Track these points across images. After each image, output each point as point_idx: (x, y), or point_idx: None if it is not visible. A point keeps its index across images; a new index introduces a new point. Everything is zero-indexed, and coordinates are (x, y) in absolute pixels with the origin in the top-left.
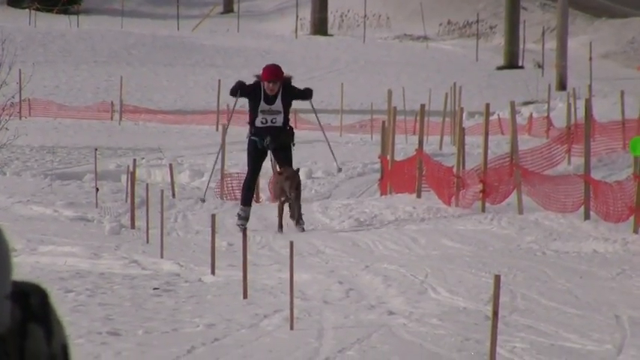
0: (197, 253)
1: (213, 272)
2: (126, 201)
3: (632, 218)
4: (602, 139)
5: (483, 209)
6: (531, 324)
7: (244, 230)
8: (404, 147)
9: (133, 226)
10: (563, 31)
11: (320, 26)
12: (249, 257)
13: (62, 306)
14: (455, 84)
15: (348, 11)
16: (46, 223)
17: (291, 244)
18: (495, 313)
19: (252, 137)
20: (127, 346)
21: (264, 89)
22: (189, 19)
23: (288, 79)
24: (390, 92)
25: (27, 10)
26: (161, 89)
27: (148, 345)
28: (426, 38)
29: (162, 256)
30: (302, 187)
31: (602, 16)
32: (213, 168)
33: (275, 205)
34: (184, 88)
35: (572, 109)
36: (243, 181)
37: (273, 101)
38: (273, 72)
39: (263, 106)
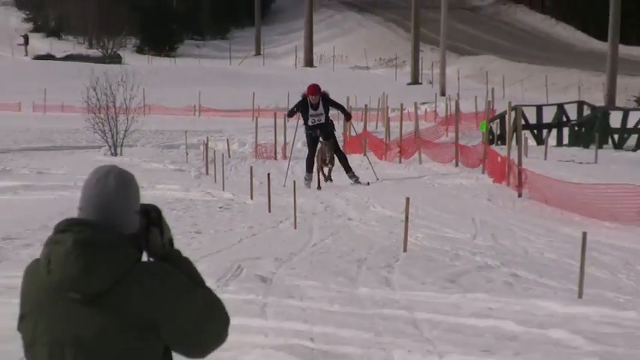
0: (243, 187)
1: (252, 198)
2: (203, 159)
3: (481, 165)
4: (465, 122)
5: (400, 161)
6: (426, 224)
7: (310, 184)
8: (356, 128)
9: (207, 173)
10: (443, 63)
11: (309, 61)
12: (271, 190)
13: (168, 217)
14: (384, 93)
15: (324, 53)
16: (159, 172)
17: (294, 183)
18: (406, 218)
19: (309, 131)
20: (205, 239)
21: (309, 101)
22: (236, 58)
23: (325, 93)
24: (348, 98)
25: (146, 55)
26: (221, 98)
27: (216, 238)
28: (367, 68)
29: (223, 189)
30: (333, 154)
31: (465, 55)
32: (256, 140)
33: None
34: (235, 97)
35: (448, 106)
36: (305, 158)
37: (317, 108)
38: (313, 89)
39: (311, 111)
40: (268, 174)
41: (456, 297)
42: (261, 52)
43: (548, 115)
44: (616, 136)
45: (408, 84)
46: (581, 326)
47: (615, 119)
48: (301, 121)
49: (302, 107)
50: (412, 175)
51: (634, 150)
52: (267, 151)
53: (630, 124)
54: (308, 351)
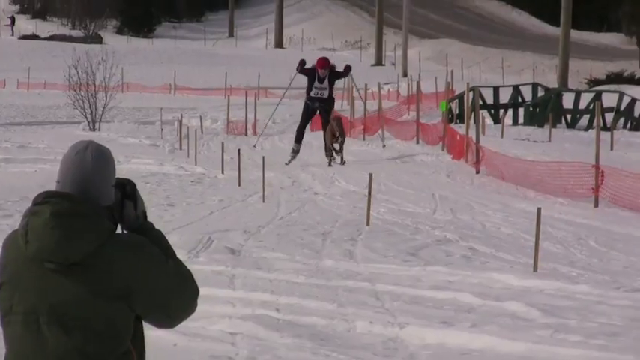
0: (214, 162)
1: (222, 172)
2: (177, 135)
3: (441, 143)
4: (426, 102)
5: (364, 139)
6: (388, 199)
7: (292, 159)
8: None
9: (180, 148)
10: (405, 46)
11: (279, 43)
12: (241, 165)
13: (142, 190)
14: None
15: (294, 35)
16: (134, 147)
17: (263, 158)
18: (369, 193)
19: (307, 102)
20: (178, 211)
21: (318, 73)
22: (210, 40)
23: (333, 66)
24: None
25: (126, 35)
26: (196, 77)
27: (188, 211)
28: (334, 49)
29: (196, 164)
30: (342, 129)
31: (426, 38)
32: (228, 117)
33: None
34: (208, 77)
35: (410, 87)
36: (297, 128)
37: (323, 81)
38: (323, 62)
39: (316, 84)
40: (239, 150)
41: (417, 270)
42: (234, 34)
43: (505, 96)
44: (569, 117)
45: (372, 65)
46: (536, 299)
47: (568, 100)
48: (271, 99)
49: (309, 76)
50: (374, 151)
51: (586, 130)
52: (238, 128)
53: (582, 104)
54: (274, 321)
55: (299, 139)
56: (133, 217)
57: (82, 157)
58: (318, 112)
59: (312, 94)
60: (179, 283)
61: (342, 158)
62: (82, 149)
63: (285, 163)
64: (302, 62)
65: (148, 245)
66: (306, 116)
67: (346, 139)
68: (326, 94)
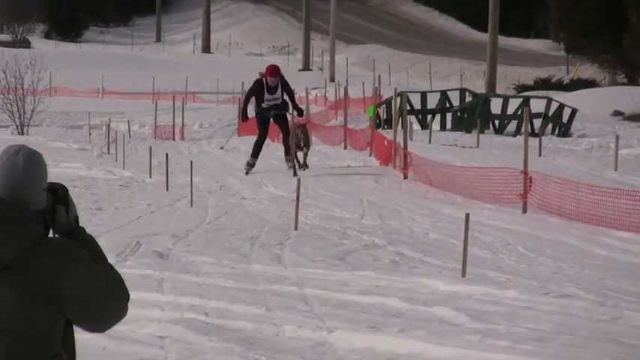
0: (142, 166)
1: (150, 176)
2: (105, 139)
3: (368, 148)
4: (353, 107)
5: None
6: (316, 204)
7: (251, 169)
8: (250, 112)
9: (108, 152)
10: (333, 51)
11: (206, 48)
12: (169, 169)
13: (73, 194)
14: None
15: (221, 40)
16: (63, 151)
17: (191, 163)
18: (297, 198)
19: (259, 111)
20: (106, 215)
21: (266, 83)
22: (138, 44)
23: (282, 75)
24: (242, 83)
25: (54, 40)
26: (124, 81)
27: (116, 215)
28: (261, 54)
29: (124, 168)
30: (308, 137)
31: (353, 43)
32: (155, 122)
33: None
34: (136, 81)
35: (337, 92)
36: (255, 141)
37: (275, 92)
38: (275, 70)
39: (267, 96)
40: (167, 154)
41: (345, 274)
42: (162, 39)
43: (432, 102)
44: (497, 122)
45: (300, 70)
46: (464, 304)
47: (496, 106)
48: (199, 104)
49: (257, 91)
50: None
51: (514, 135)
52: (166, 132)
53: (510, 110)
54: (202, 325)
55: (256, 153)
56: (65, 221)
57: (14, 161)
58: (272, 119)
59: (263, 105)
60: (109, 288)
61: (302, 164)
62: (14, 153)
63: (247, 172)
64: (244, 113)
65: (78, 250)
66: (263, 128)
67: (274, 144)
68: (279, 101)
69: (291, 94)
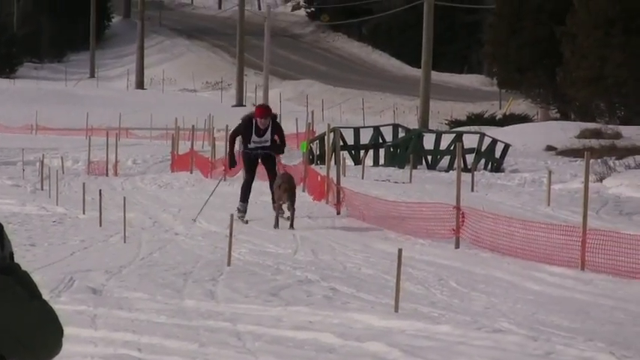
0: (76, 202)
1: (84, 212)
2: (39, 175)
3: (302, 184)
4: (287, 142)
5: (225, 179)
6: (249, 240)
7: (244, 216)
8: (184, 147)
9: (42, 188)
10: (266, 87)
11: (140, 84)
12: (102, 205)
13: (7, 230)
14: (210, 114)
15: (155, 76)
16: None
17: (124, 198)
18: (230, 234)
19: (246, 151)
20: (39, 251)
21: (256, 124)
22: (72, 80)
23: (275, 115)
24: (176, 119)
25: None
26: (57, 117)
27: (50, 251)
28: (195, 90)
29: (57, 204)
30: (294, 198)
31: (287, 79)
32: (89, 158)
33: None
34: (70, 116)
35: None
36: (242, 184)
37: (264, 134)
38: (265, 111)
39: (254, 138)
40: (100, 190)
41: (278, 310)
42: (95, 75)
43: (365, 137)
44: (429, 157)
45: (233, 106)
46: (397, 339)
47: (429, 141)
48: (132, 140)
49: (245, 130)
50: (236, 191)
51: (446, 171)
52: (100, 168)
53: (443, 145)
54: None
55: (245, 196)
56: (0, 257)
57: None
58: (260, 159)
59: (250, 146)
60: (44, 324)
61: (291, 223)
62: None
63: (241, 220)
64: (231, 160)
65: (12, 285)
66: (251, 169)
67: (207, 179)
68: (267, 144)
69: (282, 136)
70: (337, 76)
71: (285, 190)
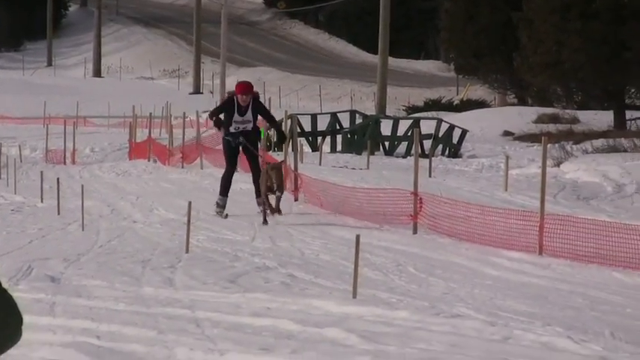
0: (34, 191)
1: (42, 201)
2: None
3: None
4: None
5: (183, 166)
6: (207, 226)
7: (223, 212)
8: (141, 135)
9: (0, 177)
10: (223, 74)
11: (97, 72)
12: (60, 193)
13: None
14: (167, 102)
15: (112, 64)
16: None
17: (82, 187)
18: (188, 221)
19: (227, 137)
20: None
21: (237, 102)
22: (29, 69)
23: (257, 94)
24: (134, 106)
25: None
26: (15, 106)
27: (8, 239)
28: (152, 78)
29: (15, 193)
30: (282, 180)
31: (243, 66)
32: (47, 146)
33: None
34: (27, 105)
35: None
36: (222, 176)
37: (245, 113)
38: (245, 87)
39: (236, 117)
40: (58, 178)
41: (236, 297)
42: (53, 64)
43: (323, 124)
44: (387, 143)
45: (190, 93)
46: (356, 325)
47: (386, 127)
48: (90, 128)
49: (227, 110)
50: (193, 179)
51: (404, 157)
52: (58, 156)
53: (400, 131)
54: (94, 348)
55: (225, 190)
56: None
57: None
58: (241, 149)
59: (231, 129)
60: (3, 312)
61: (275, 208)
62: None
63: (219, 214)
64: (216, 118)
65: None
66: (232, 158)
67: (165, 166)
68: (249, 126)
69: (268, 116)
70: (294, 63)
71: (276, 175)
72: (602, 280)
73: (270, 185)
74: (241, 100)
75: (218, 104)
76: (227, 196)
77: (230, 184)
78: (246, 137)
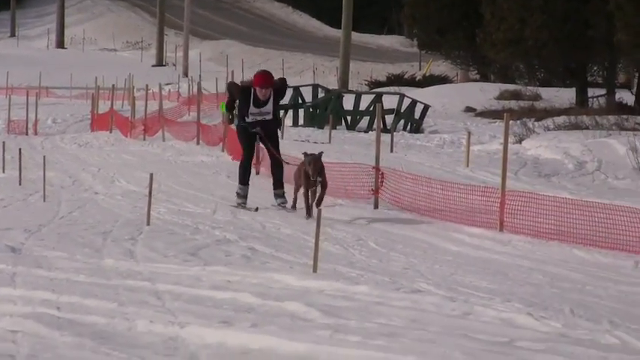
0: None
1: (3, 171)
2: None
3: (221, 144)
4: (206, 103)
5: (145, 139)
6: (168, 199)
7: (245, 202)
8: (103, 107)
9: None
10: (186, 47)
11: (60, 43)
12: (22, 164)
13: None
14: (130, 74)
15: (75, 35)
16: None
17: (44, 157)
18: (150, 193)
19: (243, 124)
20: None
21: (255, 94)
22: None
23: (282, 82)
24: (96, 78)
25: None
26: None
27: None
28: (115, 50)
29: None
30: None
31: (207, 39)
32: (9, 117)
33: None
34: None
35: (191, 87)
36: (239, 164)
37: (264, 105)
38: (265, 79)
39: (252, 109)
40: (20, 149)
41: (197, 269)
42: (16, 34)
43: (285, 97)
44: (349, 118)
45: (153, 66)
46: (316, 299)
47: (348, 102)
48: (52, 99)
49: (241, 100)
50: (154, 151)
51: (366, 131)
52: (19, 127)
53: (362, 106)
54: (54, 319)
55: (245, 179)
56: None
57: None
58: (258, 138)
59: (248, 119)
60: None
61: (316, 202)
62: None
63: (242, 206)
64: (230, 114)
65: None
66: (249, 145)
67: (127, 139)
68: (268, 117)
69: (282, 90)
70: (257, 36)
71: (313, 164)
72: (563, 257)
73: (310, 181)
74: (260, 95)
75: (228, 96)
76: (248, 185)
77: (250, 172)
78: (264, 127)
